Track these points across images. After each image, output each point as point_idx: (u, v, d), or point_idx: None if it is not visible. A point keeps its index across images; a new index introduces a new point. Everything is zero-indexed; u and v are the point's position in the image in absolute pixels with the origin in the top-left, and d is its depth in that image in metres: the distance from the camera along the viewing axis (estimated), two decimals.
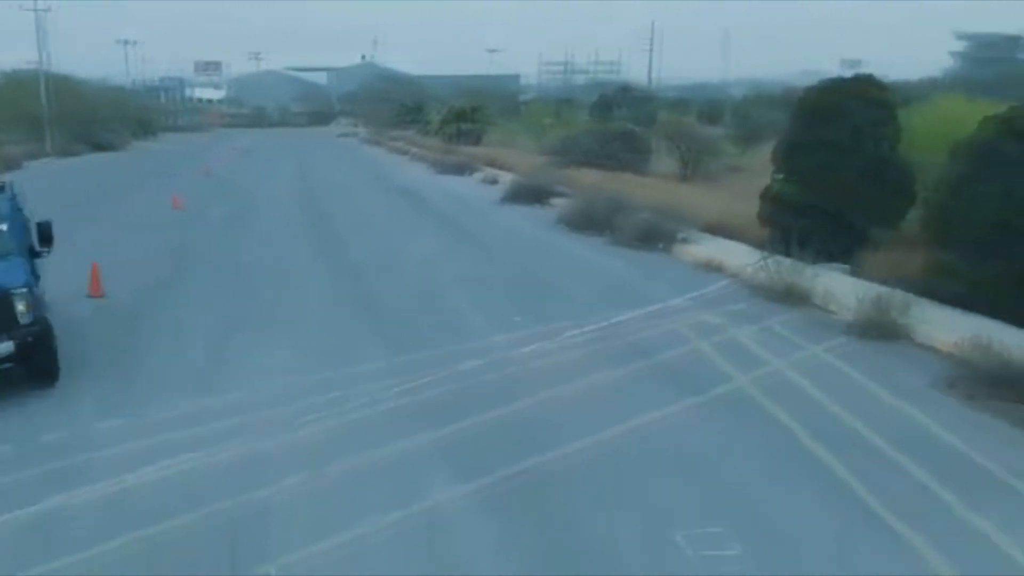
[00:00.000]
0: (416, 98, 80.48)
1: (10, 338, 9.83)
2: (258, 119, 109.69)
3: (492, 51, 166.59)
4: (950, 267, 14.55)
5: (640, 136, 37.36)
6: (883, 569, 6.67)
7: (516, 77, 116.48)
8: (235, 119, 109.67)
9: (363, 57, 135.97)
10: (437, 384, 10.54)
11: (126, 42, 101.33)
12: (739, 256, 17.94)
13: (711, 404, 10.03)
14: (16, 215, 11.30)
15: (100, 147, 58.72)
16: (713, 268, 17.59)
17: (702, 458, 8.59)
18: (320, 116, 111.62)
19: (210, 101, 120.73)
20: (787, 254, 16.16)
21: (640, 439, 9.00)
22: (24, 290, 9.99)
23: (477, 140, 52.96)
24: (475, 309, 14.29)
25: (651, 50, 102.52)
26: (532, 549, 6.90)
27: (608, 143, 36.00)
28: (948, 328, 12.39)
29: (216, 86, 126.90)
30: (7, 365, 9.95)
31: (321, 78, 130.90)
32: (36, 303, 10.25)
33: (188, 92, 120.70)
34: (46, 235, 11.39)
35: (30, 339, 9.98)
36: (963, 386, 10.37)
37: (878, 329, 12.68)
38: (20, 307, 9.91)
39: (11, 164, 40.62)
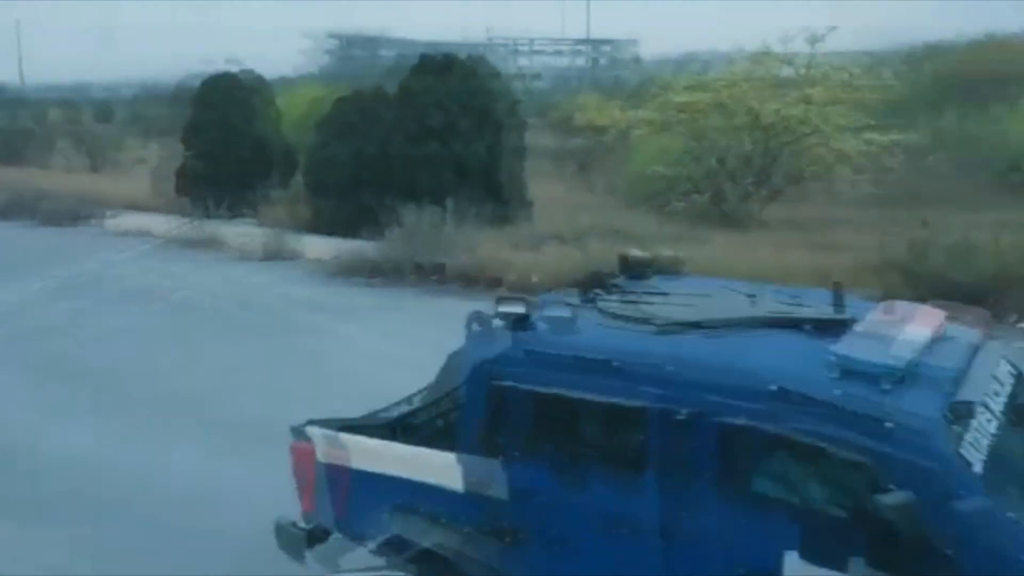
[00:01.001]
0: None
1: None
2: None
3: None
4: (321, 210, 20.30)
5: (37, 134, 38.14)
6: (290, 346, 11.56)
7: None
8: None
9: None
10: None
11: None
12: (163, 224, 21.66)
13: (167, 306, 14.26)
14: None
15: None
16: (142, 234, 21.06)
17: (163, 330, 12.90)
18: None
19: None
20: (206, 216, 20.57)
21: (132, 325, 12.98)
22: None
23: None
24: None
25: (20, 49, 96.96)
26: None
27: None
28: (324, 248, 17.87)
29: None
30: None
31: None
32: None
33: None
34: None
35: None
36: (332, 273, 16.05)
37: (276, 255, 17.81)
38: None
39: None
